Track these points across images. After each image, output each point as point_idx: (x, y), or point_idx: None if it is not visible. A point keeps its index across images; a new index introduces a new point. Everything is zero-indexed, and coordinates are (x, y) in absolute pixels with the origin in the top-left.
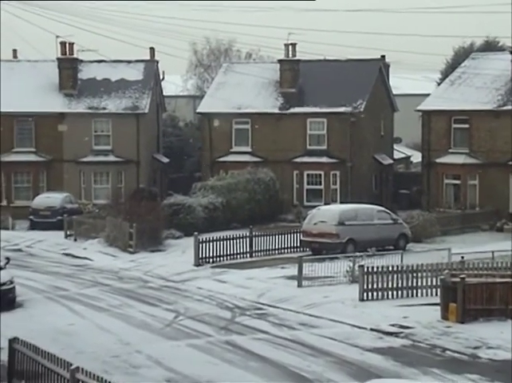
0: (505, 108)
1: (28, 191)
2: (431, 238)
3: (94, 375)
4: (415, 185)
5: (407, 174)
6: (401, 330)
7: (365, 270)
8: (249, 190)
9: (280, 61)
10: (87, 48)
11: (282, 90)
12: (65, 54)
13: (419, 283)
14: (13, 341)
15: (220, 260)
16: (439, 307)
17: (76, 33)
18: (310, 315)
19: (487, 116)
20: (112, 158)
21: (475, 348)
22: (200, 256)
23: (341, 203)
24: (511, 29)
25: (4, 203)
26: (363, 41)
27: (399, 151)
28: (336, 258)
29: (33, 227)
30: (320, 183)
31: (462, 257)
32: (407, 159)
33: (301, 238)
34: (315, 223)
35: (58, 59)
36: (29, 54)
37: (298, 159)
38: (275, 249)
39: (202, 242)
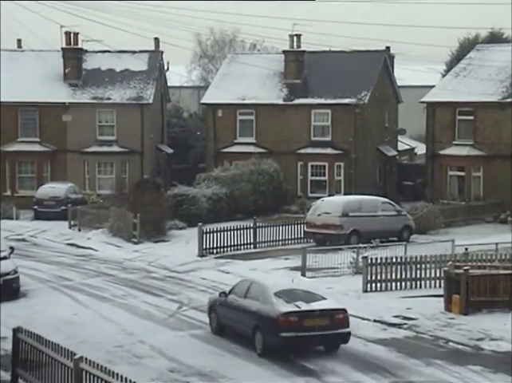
0: (509, 99)
1: (32, 181)
2: (434, 230)
3: (98, 365)
4: (420, 177)
5: (412, 165)
6: (404, 322)
7: (369, 261)
8: (253, 181)
9: (284, 51)
10: (91, 38)
11: (287, 81)
12: (70, 44)
13: (423, 275)
14: (17, 330)
15: (224, 251)
16: (442, 299)
17: (80, 23)
18: None
19: (492, 107)
20: (116, 148)
21: (478, 339)
22: (204, 247)
23: (345, 194)
24: None
25: (8, 192)
26: (368, 32)
27: (404, 142)
28: (340, 249)
29: (37, 216)
30: (325, 175)
31: (466, 249)
32: (411, 151)
33: (305, 229)
34: (319, 215)
35: (63, 49)
36: (34, 44)
37: (302, 151)
38: (279, 240)
39: (206, 232)
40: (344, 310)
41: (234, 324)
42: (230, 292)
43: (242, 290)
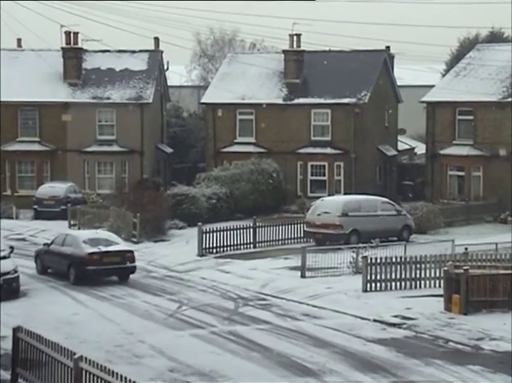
0: (509, 99)
1: (32, 180)
2: (434, 230)
3: (97, 364)
4: (419, 176)
5: (411, 165)
6: (404, 321)
7: (369, 261)
8: (252, 181)
9: (284, 51)
10: (91, 38)
11: (286, 81)
12: (70, 44)
13: (423, 275)
14: (17, 330)
15: (223, 250)
16: (442, 298)
17: (80, 22)
18: (313, 306)
19: (492, 107)
20: (116, 148)
21: (478, 339)
22: (204, 246)
23: (345, 194)
24: None
25: (8, 192)
26: (368, 31)
27: (404, 142)
28: (340, 249)
29: (37, 216)
30: (324, 174)
31: (466, 248)
32: (411, 151)
33: (305, 228)
34: (319, 214)
35: (63, 48)
36: (34, 43)
37: (302, 150)
38: (279, 240)
39: (206, 232)
40: (131, 251)
41: (55, 265)
42: (51, 243)
43: (60, 240)
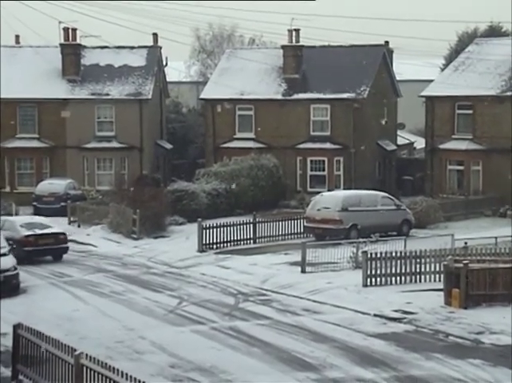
0: (508, 93)
1: (31, 177)
2: (434, 224)
3: (98, 361)
4: (419, 171)
5: (411, 160)
6: (404, 316)
7: (369, 255)
8: (252, 176)
9: (283, 46)
10: (90, 34)
11: (286, 76)
12: (68, 40)
13: (423, 269)
14: (17, 326)
15: (223, 246)
16: (442, 293)
17: (78, 18)
18: (314, 301)
19: (491, 101)
20: (115, 144)
21: (478, 333)
22: (204, 242)
23: (345, 189)
24: None
25: (7, 189)
26: (366, 26)
27: (403, 137)
28: (340, 244)
29: (37, 213)
30: (324, 170)
31: (466, 243)
32: (410, 145)
33: (305, 224)
34: (318, 209)
35: (61, 45)
36: (32, 40)
37: (302, 146)
38: (278, 235)
39: (206, 228)
40: (64, 233)
41: None
42: None
43: None
